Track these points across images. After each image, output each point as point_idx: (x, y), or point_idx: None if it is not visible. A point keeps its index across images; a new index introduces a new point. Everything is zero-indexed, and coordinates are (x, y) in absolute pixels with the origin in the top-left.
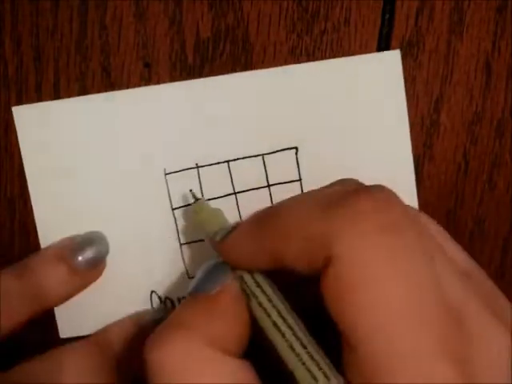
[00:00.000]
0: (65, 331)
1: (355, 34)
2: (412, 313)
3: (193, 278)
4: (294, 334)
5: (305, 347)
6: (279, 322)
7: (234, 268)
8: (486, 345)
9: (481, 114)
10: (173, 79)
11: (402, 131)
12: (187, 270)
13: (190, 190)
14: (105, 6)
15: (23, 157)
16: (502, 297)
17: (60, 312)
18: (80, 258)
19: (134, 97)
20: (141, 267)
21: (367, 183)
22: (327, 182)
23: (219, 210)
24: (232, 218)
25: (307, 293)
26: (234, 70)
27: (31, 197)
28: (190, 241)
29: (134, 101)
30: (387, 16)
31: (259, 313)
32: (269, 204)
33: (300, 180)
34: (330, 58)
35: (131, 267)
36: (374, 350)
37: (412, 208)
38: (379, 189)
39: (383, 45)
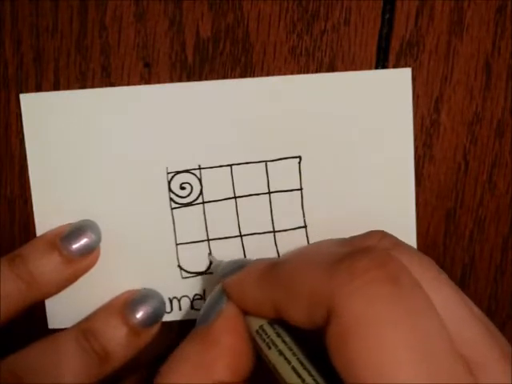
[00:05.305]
0: (54, 322)
1: (355, 33)
2: (417, 360)
3: (186, 278)
4: (314, 380)
5: None
6: (299, 367)
7: (242, 310)
8: None
9: (481, 114)
10: (173, 79)
11: (406, 147)
12: (181, 270)
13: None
14: (105, 6)
15: (27, 145)
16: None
17: (50, 303)
18: (72, 246)
19: (139, 94)
20: (135, 263)
21: (368, 197)
22: (327, 193)
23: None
24: (230, 221)
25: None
26: (233, 70)
27: (31, 189)
28: (186, 241)
29: (138, 97)
30: (387, 16)
31: (279, 360)
32: (268, 210)
33: (301, 189)
34: (329, 57)
35: (125, 263)
36: None
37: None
38: (375, 249)
39: (383, 45)
